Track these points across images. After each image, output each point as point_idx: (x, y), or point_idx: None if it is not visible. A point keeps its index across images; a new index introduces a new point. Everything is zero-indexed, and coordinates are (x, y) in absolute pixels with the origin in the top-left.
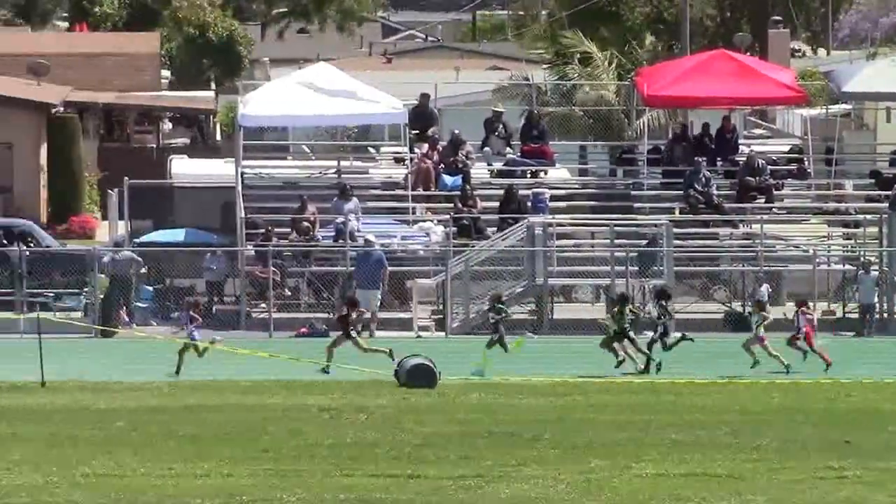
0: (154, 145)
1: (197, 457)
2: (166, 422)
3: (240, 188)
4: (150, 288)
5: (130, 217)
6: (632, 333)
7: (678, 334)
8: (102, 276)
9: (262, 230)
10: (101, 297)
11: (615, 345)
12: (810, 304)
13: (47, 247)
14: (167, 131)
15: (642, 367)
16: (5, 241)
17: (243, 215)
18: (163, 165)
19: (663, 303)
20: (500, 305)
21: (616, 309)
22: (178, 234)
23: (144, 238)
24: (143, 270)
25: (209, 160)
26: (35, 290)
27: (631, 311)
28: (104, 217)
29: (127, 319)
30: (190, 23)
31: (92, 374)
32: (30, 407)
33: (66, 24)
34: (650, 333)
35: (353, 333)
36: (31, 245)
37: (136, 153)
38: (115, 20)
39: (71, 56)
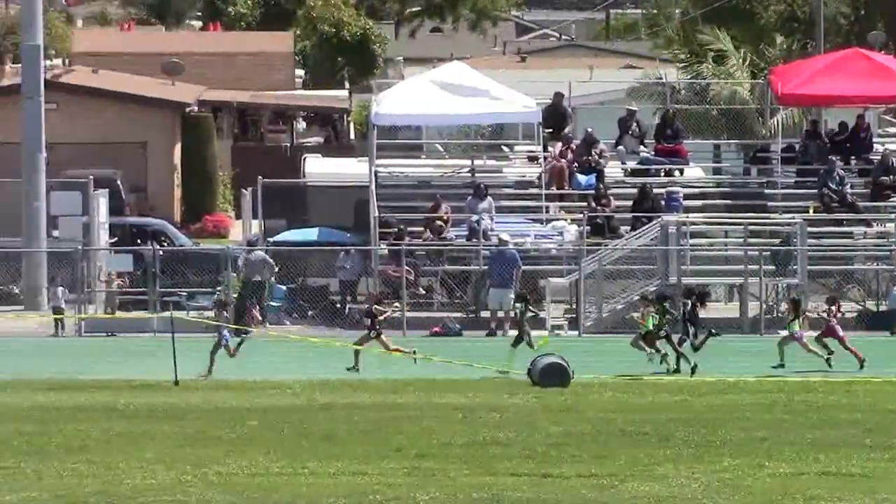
0: (288, 144)
1: (330, 455)
2: (299, 420)
3: (373, 187)
4: (283, 287)
5: (264, 216)
6: (670, 333)
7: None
8: (235, 274)
9: (395, 229)
10: (235, 296)
11: (650, 342)
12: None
13: (181, 246)
14: (301, 130)
15: (674, 367)
16: (139, 241)
17: (377, 214)
18: (296, 164)
19: (693, 303)
20: (525, 305)
21: (654, 308)
22: (311, 234)
23: (278, 237)
24: (276, 269)
25: (343, 159)
26: (168, 289)
27: (668, 310)
28: (238, 216)
29: (260, 318)
30: (324, 22)
31: (225, 373)
32: (163, 406)
33: (199, 24)
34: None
35: (379, 333)
36: (165, 244)
37: (269, 152)
38: (249, 20)
39: (205, 55)
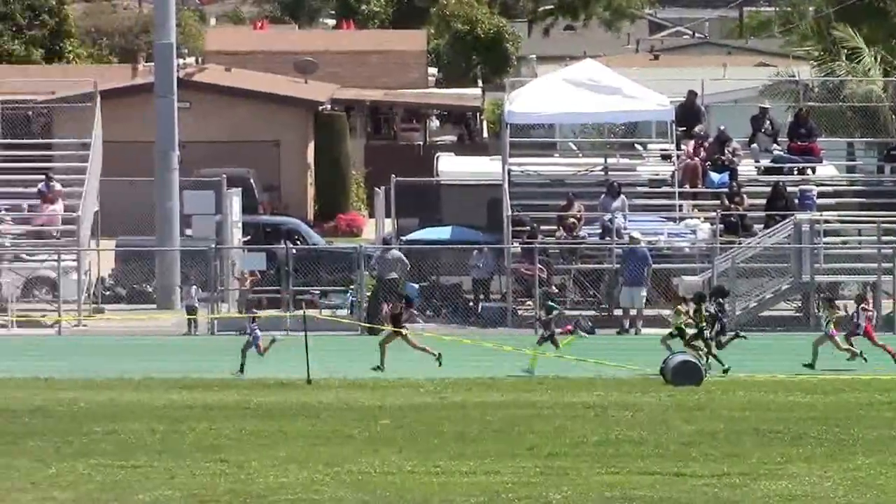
0: (421, 143)
1: (462, 454)
2: (431, 419)
3: (506, 185)
4: (416, 286)
5: (397, 215)
6: (706, 333)
7: (732, 332)
8: (368, 273)
9: (528, 227)
10: (368, 294)
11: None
12: (870, 299)
13: (314, 244)
14: (434, 129)
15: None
16: (272, 239)
17: (509, 213)
18: (429, 163)
19: (721, 301)
20: (551, 303)
21: (692, 308)
22: (444, 232)
23: (410, 236)
24: (409, 268)
25: (476, 157)
26: (301, 288)
27: (706, 310)
28: (371, 215)
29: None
30: (458, 20)
31: (357, 372)
32: (296, 404)
33: (332, 23)
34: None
35: (403, 331)
36: (298, 243)
37: (402, 151)
38: (382, 18)
39: (338, 54)
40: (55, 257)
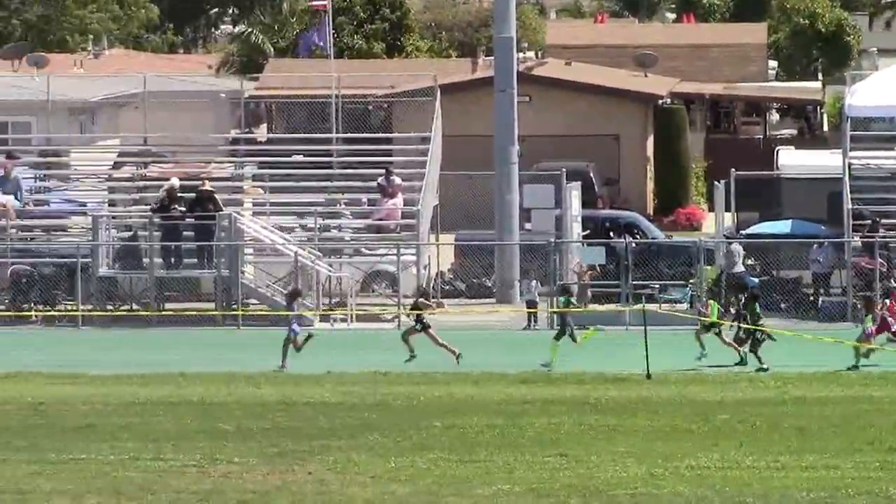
0: (761, 137)
1: (802, 449)
2: (771, 414)
3: (847, 179)
4: (756, 280)
5: (737, 209)
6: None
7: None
8: (709, 267)
9: (869, 221)
10: (707, 288)
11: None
12: None
13: (653, 238)
14: (774, 122)
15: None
16: (612, 233)
17: (850, 206)
18: (769, 157)
19: (746, 298)
20: (567, 298)
21: (738, 303)
22: (784, 226)
23: (751, 230)
24: (750, 262)
25: (816, 151)
26: (641, 282)
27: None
28: (710, 209)
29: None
30: (798, 13)
31: (697, 367)
32: (635, 399)
33: (673, 16)
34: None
35: (426, 326)
36: (638, 237)
37: (743, 144)
38: (723, 11)
39: (677, 47)
40: (394, 252)
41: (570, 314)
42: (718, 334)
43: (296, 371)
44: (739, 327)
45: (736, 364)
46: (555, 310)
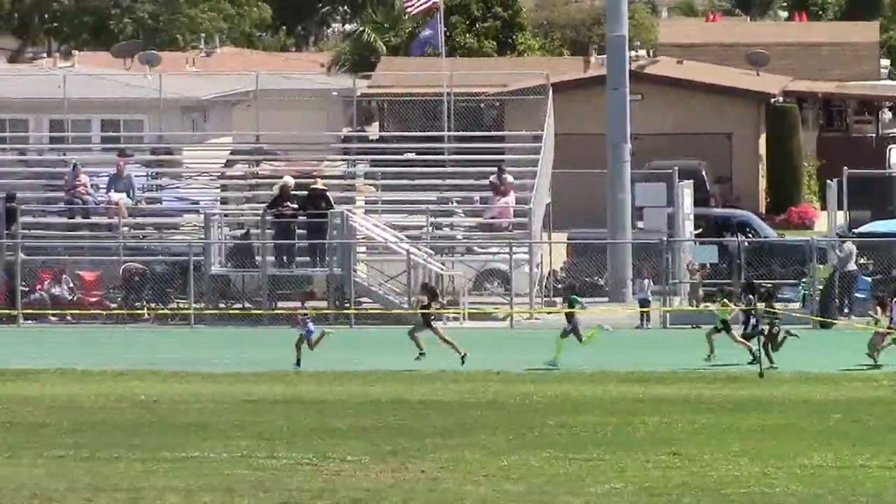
0: (873, 135)
1: None
2: (885, 413)
3: None
4: (868, 279)
5: (849, 207)
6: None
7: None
8: (821, 266)
9: None
10: (821, 287)
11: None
12: None
13: (765, 237)
14: (887, 121)
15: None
16: (724, 232)
17: None
18: (882, 155)
19: (751, 297)
20: (574, 296)
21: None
22: None
23: (863, 228)
24: (863, 261)
25: None
26: (753, 281)
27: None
28: (823, 207)
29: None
30: None
31: (810, 365)
32: (748, 398)
33: (785, 14)
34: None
35: (434, 323)
36: (750, 235)
37: (855, 143)
38: (836, 10)
39: (789, 46)
40: (507, 250)
41: (576, 313)
42: (729, 332)
43: (408, 369)
44: (761, 327)
45: (749, 363)
46: (565, 310)
